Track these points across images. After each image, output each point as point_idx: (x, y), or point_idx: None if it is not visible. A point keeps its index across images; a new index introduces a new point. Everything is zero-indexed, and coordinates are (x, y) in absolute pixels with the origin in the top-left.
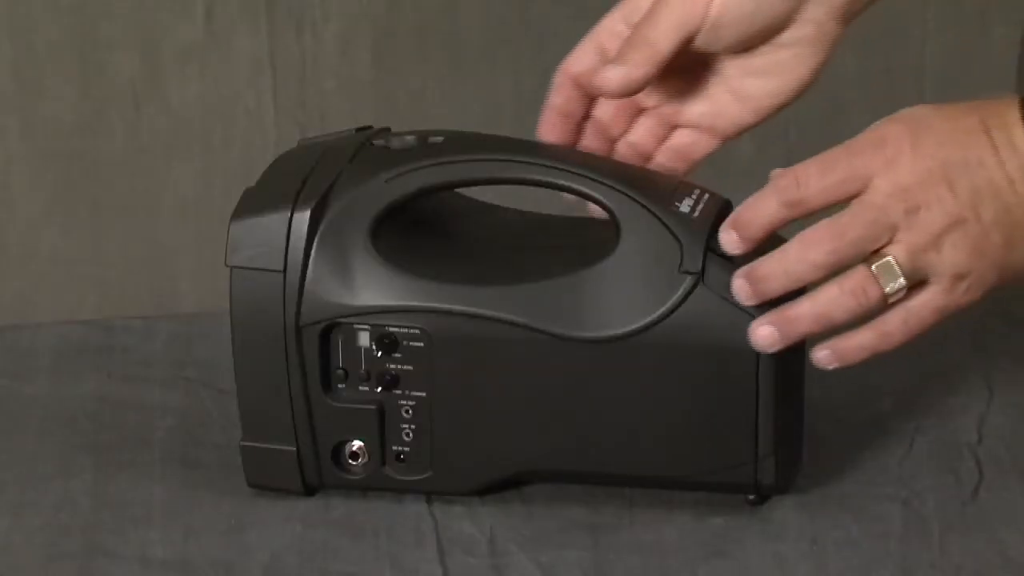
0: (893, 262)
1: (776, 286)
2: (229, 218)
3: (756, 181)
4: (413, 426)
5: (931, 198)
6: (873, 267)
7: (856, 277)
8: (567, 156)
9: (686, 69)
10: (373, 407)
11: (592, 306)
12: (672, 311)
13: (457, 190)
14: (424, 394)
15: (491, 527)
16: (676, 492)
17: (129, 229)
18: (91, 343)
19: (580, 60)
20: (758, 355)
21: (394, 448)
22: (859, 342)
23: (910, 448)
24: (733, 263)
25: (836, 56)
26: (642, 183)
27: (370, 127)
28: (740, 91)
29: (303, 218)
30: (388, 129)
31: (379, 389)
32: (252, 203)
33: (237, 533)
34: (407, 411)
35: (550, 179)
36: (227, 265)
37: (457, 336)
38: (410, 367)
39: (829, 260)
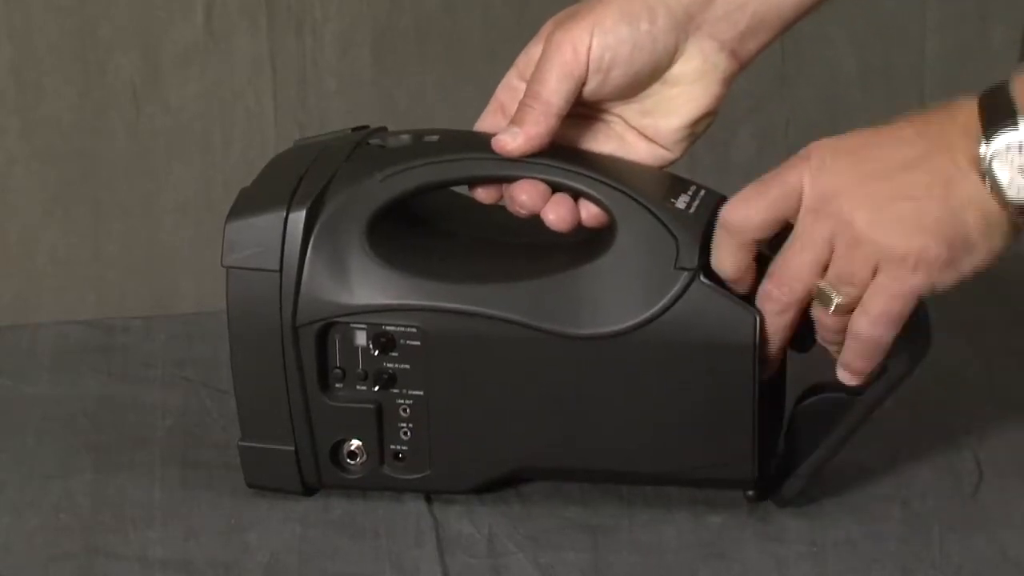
0: (825, 284)
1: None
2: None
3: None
4: (411, 425)
5: (856, 196)
6: (815, 297)
7: (815, 311)
8: (562, 153)
9: (593, 118)
10: (371, 406)
11: (588, 303)
12: (668, 307)
13: (453, 188)
14: (421, 393)
15: (490, 527)
16: (674, 492)
17: (129, 229)
18: (91, 343)
19: (486, 123)
20: (755, 350)
21: (392, 447)
22: (851, 355)
23: (910, 448)
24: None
25: (836, 56)
26: (638, 180)
27: (366, 127)
28: (645, 132)
29: (299, 218)
30: (384, 128)
31: (376, 388)
32: (248, 203)
33: (237, 533)
34: (405, 410)
35: (545, 176)
36: (223, 265)
37: (454, 334)
38: (407, 366)
39: (784, 298)
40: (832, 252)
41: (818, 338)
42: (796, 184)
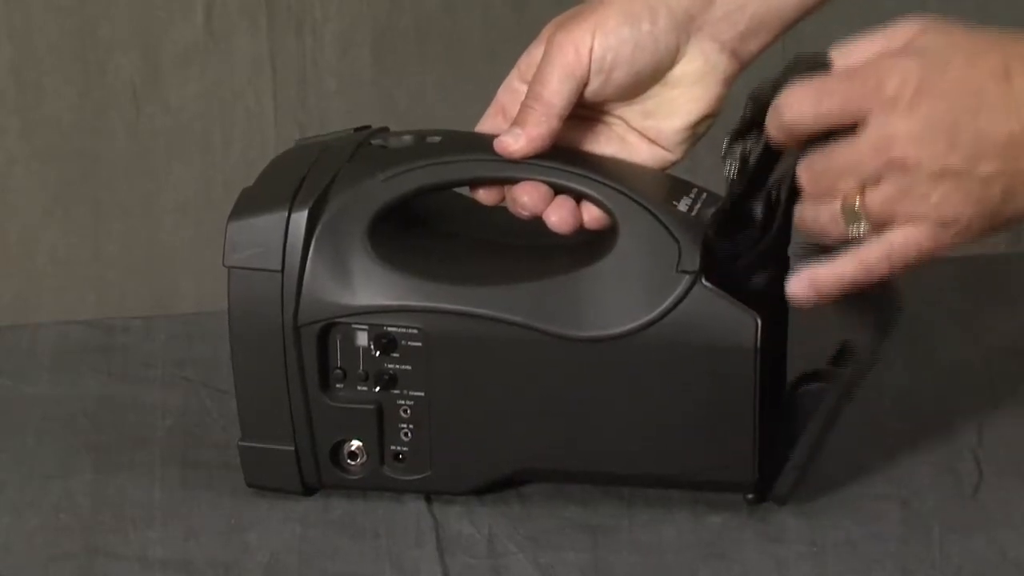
0: (858, 206)
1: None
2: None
3: None
4: (411, 426)
5: (923, 152)
6: (840, 207)
7: (826, 215)
8: (564, 155)
9: (594, 119)
10: (371, 407)
11: (590, 305)
12: (670, 310)
13: (454, 189)
14: (422, 394)
15: (490, 527)
16: (674, 492)
17: (129, 229)
18: (91, 343)
19: (487, 125)
20: (756, 353)
21: (393, 448)
22: (838, 271)
23: (910, 448)
24: (730, 263)
25: None
26: (640, 182)
27: (368, 127)
28: (647, 134)
29: (301, 218)
30: (386, 129)
31: (377, 389)
32: (250, 203)
33: (237, 533)
34: (405, 411)
35: (547, 178)
36: (225, 265)
37: (455, 336)
38: (408, 367)
39: (811, 193)
40: (879, 184)
41: (802, 219)
42: (862, 108)
